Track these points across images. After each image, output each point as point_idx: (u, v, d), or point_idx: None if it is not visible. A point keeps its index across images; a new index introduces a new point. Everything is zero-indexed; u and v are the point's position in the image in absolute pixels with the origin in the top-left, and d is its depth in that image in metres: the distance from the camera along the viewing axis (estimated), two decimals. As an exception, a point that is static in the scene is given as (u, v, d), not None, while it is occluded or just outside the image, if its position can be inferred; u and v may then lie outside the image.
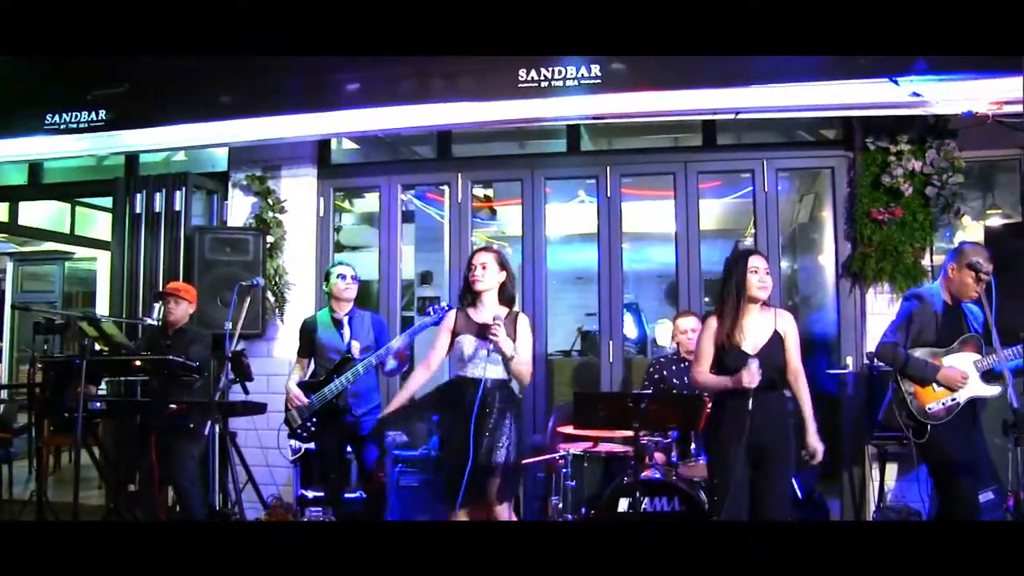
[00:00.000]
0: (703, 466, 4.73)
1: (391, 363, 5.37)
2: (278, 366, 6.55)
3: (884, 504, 5.66)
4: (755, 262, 4.16)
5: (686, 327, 5.50)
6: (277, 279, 6.82)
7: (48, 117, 6.60)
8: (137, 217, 6.80)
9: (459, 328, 4.51)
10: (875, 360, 5.05)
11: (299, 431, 5.31)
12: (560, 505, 5.14)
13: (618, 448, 5.18)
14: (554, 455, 5.28)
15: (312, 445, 5.55)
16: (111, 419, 6.35)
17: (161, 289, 6.09)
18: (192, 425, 5.23)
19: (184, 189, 6.75)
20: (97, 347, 5.71)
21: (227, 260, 6.50)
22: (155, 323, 5.81)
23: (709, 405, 4.25)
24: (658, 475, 4.89)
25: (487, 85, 5.79)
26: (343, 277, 5.39)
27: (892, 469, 5.78)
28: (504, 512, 4.45)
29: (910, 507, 5.55)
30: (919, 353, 4.35)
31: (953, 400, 4.33)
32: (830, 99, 5.40)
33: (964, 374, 4.31)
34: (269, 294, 6.79)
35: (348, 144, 7.70)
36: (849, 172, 6.13)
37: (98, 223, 9.80)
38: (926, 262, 5.86)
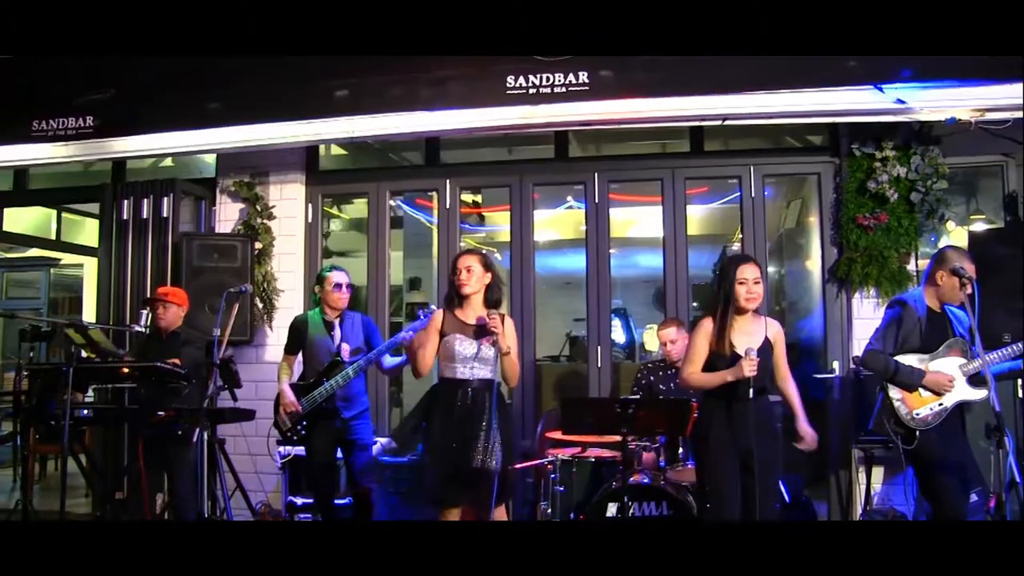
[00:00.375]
0: (691, 471, 4.75)
1: (390, 360, 5.38)
2: (267, 373, 6.53)
3: (871, 507, 5.70)
4: (744, 273, 4.16)
5: (666, 338, 5.53)
6: (265, 285, 6.82)
7: (35, 124, 6.56)
8: (124, 223, 6.77)
9: (447, 329, 4.49)
10: (861, 367, 5.08)
11: (289, 434, 5.30)
12: (549, 510, 5.16)
13: (606, 453, 5.20)
14: (543, 460, 5.29)
15: (301, 450, 5.55)
16: (98, 426, 6.33)
17: (149, 295, 6.07)
18: (180, 432, 5.21)
19: (172, 195, 6.72)
20: (84, 354, 5.69)
21: (215, 266, 6.50)
22: (143, 330, 5.78)
23: (696, 411, 4.28)
24: (646, 480, 4.91)
25: (475, 92, 5.79)
26: (339, 287, 5.37)
27: (879, 472, 5.82)
28: (500, 515, 4.44)
29: (896, 510, 5.60)
30: (905, 359, 4.37)
31: (941, 405, 4.34)
32: (816, 106, 5.42)
33: (950, 378, 4.33)
34: (257, 300, 6.79)
35: (336, 150, 7.70)
36: (835, 178, 6.19)
37: (85, 229, 9.78)
38: (911, 267, 5.91)
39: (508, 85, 5.69)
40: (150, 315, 5.76)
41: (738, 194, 6.50)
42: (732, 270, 4.19)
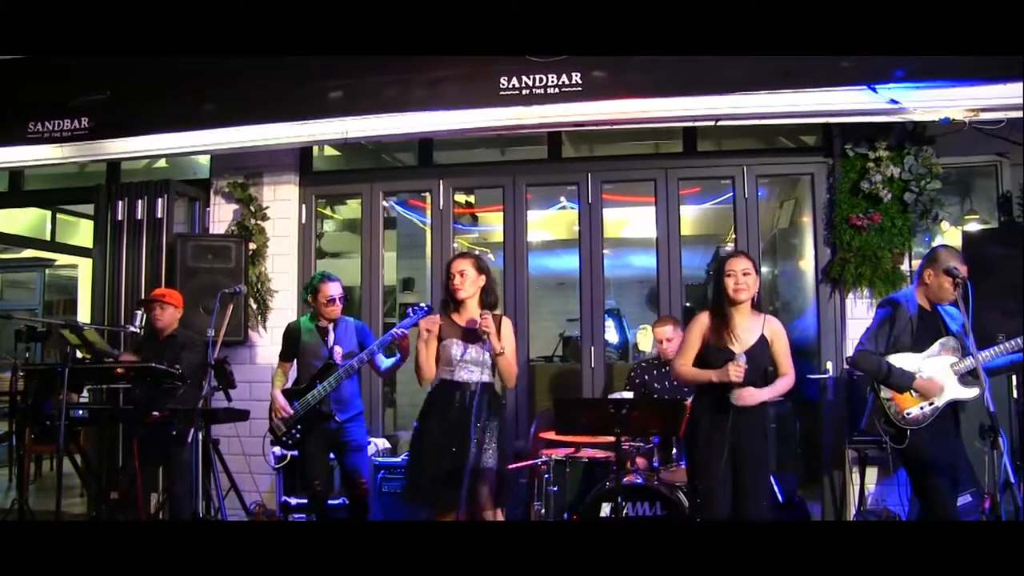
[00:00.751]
0: (684, 471, 4.76)
1: (385, 361, 5.37)
2: (261, 373, 6.55)
3: (864, 507, 5.70)
4: (731, 265, 4.25)
5: (662, 336, 5.53)
6: (259, 286, 6.81)
7: (31, 125, 6.56)
8: (119, 224, 6.77)
9: (444, 334, 4.51)
10: (852, 367, 5.09)
11: (284, 438, 5.30)
12: (543, 511, 5.16)
13: (600, 453, 5.20)
14: (536, 461, 5.30)
15: (296, 452, 5.54)
16: (94, 427, 6.32)
17: (144, 296, 6.06)
18: (175, 432, 5.22)
19: (166, 196, 6.72)
20: (79, 355, 5.69)
21: (209, 267, 6.50)
22: (137, 331, 5.77)
23: (689, 410, 4.29)
24: (640, 480, 4.92)
25: (469, 92, 5.79)
26: (332, 300, 5.30)
27: (872, 473, 5.82)
28: (499, 518, 4.45)
29: (890, 510, 5.61)
30: (896, 358, 4.36)
31: (931, 404, 4.33)
32: (810, 106, 5.43)
33: (940, 386, 4.31)
34: (251, 301, 6.78)
35: (330, 151, 7.71)
36: (828, 178, 6.19)
37: (79, 230, 9.76)
38: (905, 267, 5.92)
39: (502, 86, 5.69)
40: (145, 316, 5.76)
41: (731, 194, 6.50)
42: (722, 265, 4.31)
